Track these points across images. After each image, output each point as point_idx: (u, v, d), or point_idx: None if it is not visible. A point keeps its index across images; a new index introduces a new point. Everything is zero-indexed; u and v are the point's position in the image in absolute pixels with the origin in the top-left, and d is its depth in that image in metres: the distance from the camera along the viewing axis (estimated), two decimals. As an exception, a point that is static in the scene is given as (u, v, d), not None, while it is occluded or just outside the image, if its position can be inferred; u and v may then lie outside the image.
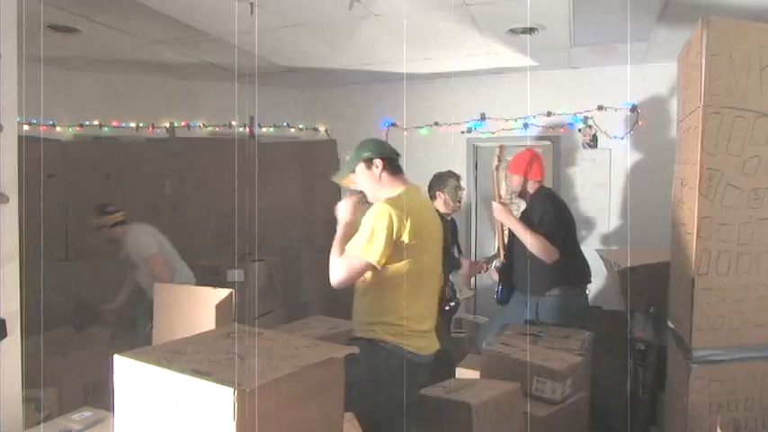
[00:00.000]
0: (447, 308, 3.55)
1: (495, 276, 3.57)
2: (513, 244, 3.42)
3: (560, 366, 2.41)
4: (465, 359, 3.12)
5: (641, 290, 3.00)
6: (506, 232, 3.48)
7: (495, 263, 3.64)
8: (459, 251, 3.92)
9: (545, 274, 3.17)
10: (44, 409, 2.74)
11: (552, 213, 3.23)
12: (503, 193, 3.48)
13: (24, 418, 1.95)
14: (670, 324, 2.46)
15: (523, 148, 3.79)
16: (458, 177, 3.71)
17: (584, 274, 3.33)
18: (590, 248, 4.60)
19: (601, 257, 3.50)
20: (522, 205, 3.58)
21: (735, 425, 1.99)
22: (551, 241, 3.12)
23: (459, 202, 3.69)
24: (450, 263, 3.62)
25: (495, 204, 3.32)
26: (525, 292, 3.31)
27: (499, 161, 3.42)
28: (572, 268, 3.22)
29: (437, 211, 3.62)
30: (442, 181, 3.66)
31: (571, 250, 3.23)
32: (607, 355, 3.32)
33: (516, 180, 3.42)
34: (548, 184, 4.68)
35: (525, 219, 3.34)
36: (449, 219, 3.71)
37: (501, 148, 3.47)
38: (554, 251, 3.12)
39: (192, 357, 1.48)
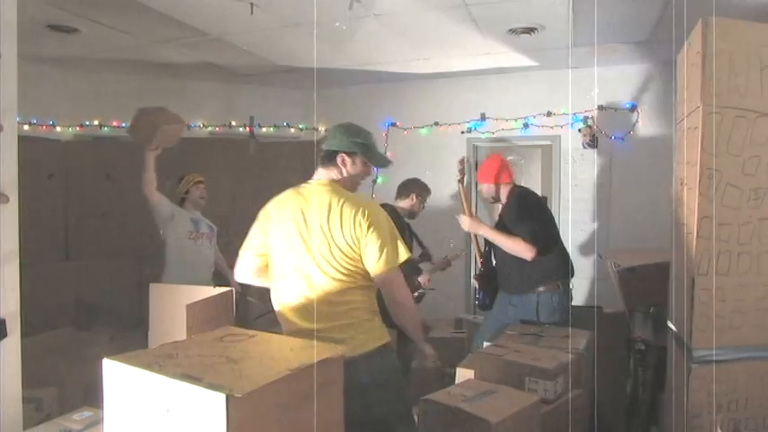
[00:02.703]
0: (416, 294, 3.67)
1: (476, 284, 3.61)
2: (491, 248, 3.48)
3: (550, 365, 2.41)
4: (465, 359, 3.12)
5: (641, 290, 3.00)
6: (481, 240, 3.54)
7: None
8: (423, 247, 3.98)
9: (527, 273, 3.20)
10: (44, 409, 2.74)
11: (526, 211, 3.25)
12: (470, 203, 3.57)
13: (24, 418, 1.94)
14: (670, 324, 2.46)
15: (519, 148, 3.81)
16: (429, 191, 3.85)
17: (565, 268, 3.33)
18: (590, 248, 4.62)
19: (601, 257, 3.50)
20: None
21: (735, 425, 1.99)
22: (529, 239, 3.13)
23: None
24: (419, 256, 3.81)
25: (464, 217, 3.35)
26: (509, 293, 3.34)
27: (462, 174, 3.47)
28: (553, 264, 3.23)
29: (396, 209, 3.73)
30: (421, 188, 3.80)
31: (550, 246, 3.24)
32: (607, 355, 3.32)
33: (487, 188, 3.45)
34: (547, 184, 4.70)
35: (501, 221, 3.36)
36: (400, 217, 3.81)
37: (462, 161, 3.51)
38: (531, 249, 3.12)
39: (185, 361, 1.46)
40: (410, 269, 3.67)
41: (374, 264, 1.98)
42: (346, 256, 1.97)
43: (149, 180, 3.51)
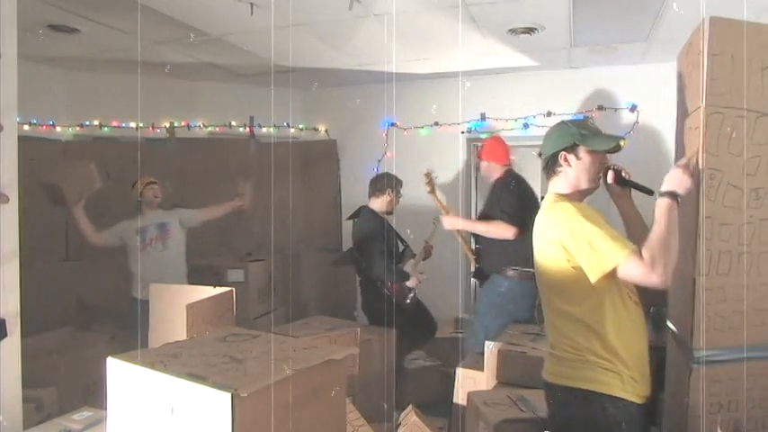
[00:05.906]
0: (407, 300, 3.76)
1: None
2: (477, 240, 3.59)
3: None
4: (467, 359, 3.12)
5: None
6: (469, 239, 3.65)
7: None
8: (405, 244, 4.00)
9: (501, 254, 3.31)
10: (44, 409, 2.74)
11: (512, 191, 3.34)
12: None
13: (24, 418, 1.94)
14: (670, 324, 2.46)
15: (519, 148, 3.84)
16: (401, 183, 3.90)
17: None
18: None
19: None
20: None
21: (735, 425, 1.99)
22: (508, 219, 3.21)
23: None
24: (399, 256, 3.84)
25: (443, 218, 3.50)
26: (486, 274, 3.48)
27: (432, 186, 3.64)
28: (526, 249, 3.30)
29: (373, 211, 3.78)
30: (395, 181, 3.85)
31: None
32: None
33: (495, 168, 3.55)
34: (547, 184, 4.69)
35: (488, 202, 3.54)
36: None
37: (428, 174, 3.64)
38: (510, 229, 3.19)
39: (189, 360, 1.47)
40: (399, 277, 3.68)
41: None
42: None
43: (88, 231, 3.73)
